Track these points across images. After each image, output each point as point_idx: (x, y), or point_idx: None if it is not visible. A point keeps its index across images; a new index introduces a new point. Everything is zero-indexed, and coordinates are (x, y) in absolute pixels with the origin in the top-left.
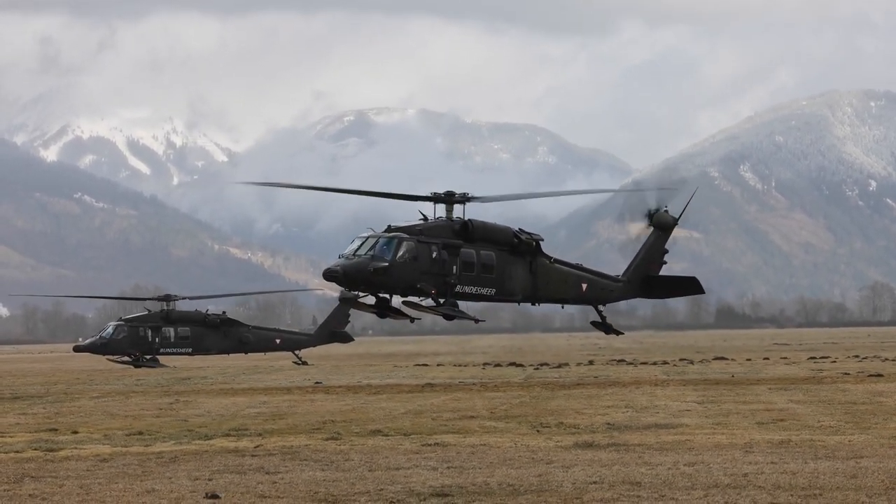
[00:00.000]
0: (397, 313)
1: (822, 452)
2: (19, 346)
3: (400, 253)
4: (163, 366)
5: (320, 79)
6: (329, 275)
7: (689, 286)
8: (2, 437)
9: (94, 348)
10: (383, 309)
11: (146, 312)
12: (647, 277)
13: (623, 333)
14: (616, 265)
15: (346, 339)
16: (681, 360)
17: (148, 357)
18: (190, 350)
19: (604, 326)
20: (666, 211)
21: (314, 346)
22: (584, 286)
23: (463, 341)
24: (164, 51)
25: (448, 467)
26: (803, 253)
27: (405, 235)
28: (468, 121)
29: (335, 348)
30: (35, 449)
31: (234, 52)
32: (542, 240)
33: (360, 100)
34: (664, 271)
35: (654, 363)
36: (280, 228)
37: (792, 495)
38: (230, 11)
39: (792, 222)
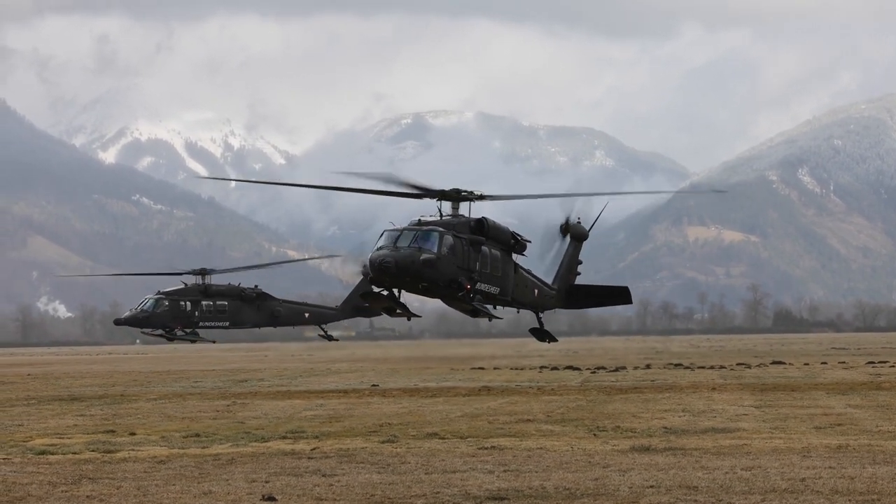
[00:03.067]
0: (404, 310)
1: (881, 457)
2: (77, 348)
3: (444, 246)
4: (203, 339)
5: (381, 81)
6: (382, 266)
7: (619, 296)
8: (60, 438)
9: (135, 321)
10: (395, 304)
11: (183, 286)
12: (571, 287)
13: (557, 340)
14: (673, 269)
15: (372, 312)
16: (738, 364)
17: (188, 330)
18: (227, 324)
19: (541, 333)
20: (578, 222)
21: (339, 319)
22: (536, 292)
23: (520, 344)
24: (223, 53)
25: (504, 471)
26: (861, 257)
27: (443, 229)
28: (526, 124)
29: (392, 351)
30: (93, 450)
31: (293, 55)
32: (531, 242)
33: (420, 102)
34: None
35: (712, 367)
36: (337, 231)
37: (850, 500)
38: (289, 14)
39: (850, 226)
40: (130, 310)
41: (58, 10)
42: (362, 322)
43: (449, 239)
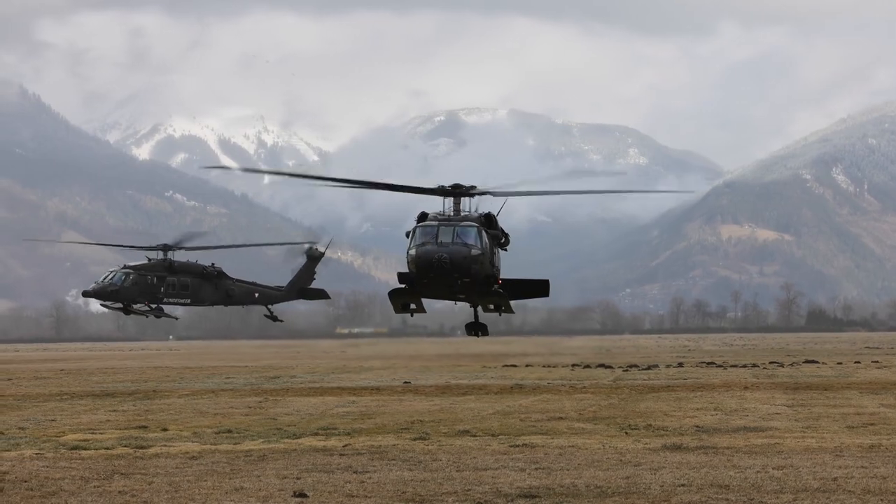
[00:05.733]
0: (419, 308)
1: None
2: (110, 343)
3: (483, 240)
4: (168, 315)
5: (418, 78)
6: (439, 261)
7: (539, 289)
8: (93, 433)
9: (104, 294)
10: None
11: (147, 261)
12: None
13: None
14: (706, 267)
15: (317, 295)
16: (771, 362)
17: (153, 306)
18: (189, 301)
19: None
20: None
21: (285, 301)
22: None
23: (552, 342)
24: (258, 50)
25: (536, 468)
26: None
27: (477, 224)
28: (559, 122)
29: (424, 348)
30: (125, 446)
31: (329, 52)
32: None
33: (456, 99)
34: None
35: (744, 366)
36: (370, 228)
37: (882, 500)
38: (325, 11)
39: (884, 225)
40: (96, 282)
41: (93, 6)
42: (395, 319)
43: (484, 233)
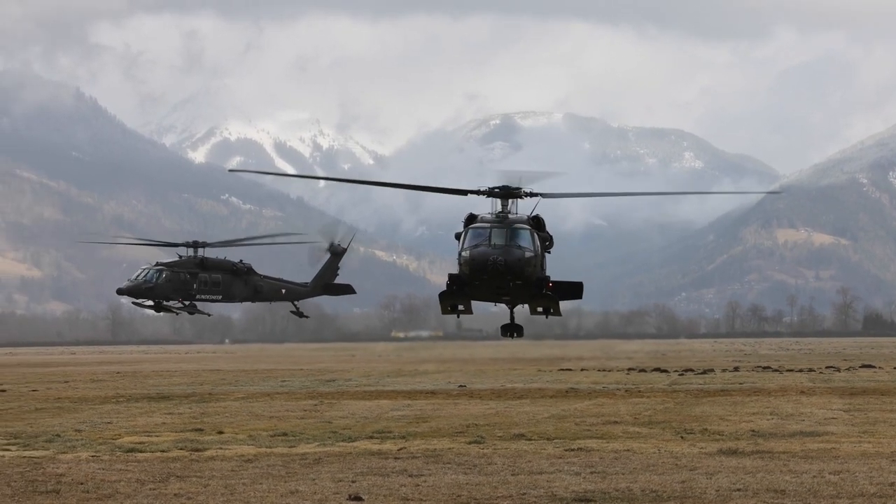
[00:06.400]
0: (467, 309)
1: None
2: (166, 346)
3: (535, 242)
4: (201, 312)
5: (473, 82)
6: (495, 264)
7: (571, 291)
8: (148, 436)
9: (138, 292)
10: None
11: (179, 258)
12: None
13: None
14: (762, 271)
15: (342, 291)
16: (827, 367)
17: (187, 303)
18: (220, 297)
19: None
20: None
21: (310, 297)
22: None
23: (607, 346)
24: (314, 53)
25: (591, 472)
26: None
27: (528, 225)
28: (615, 125)
29: (479, 352)
30: (181, 448)
31: (386, 55)
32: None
33: (511, 103)
34: None
35: (800, 370)
36: (425, 231)
37: None
38: (381, 15)
39: None
40: (129, 280)
41: (148, 9)
42: (450, 322)
43: (535, 235)
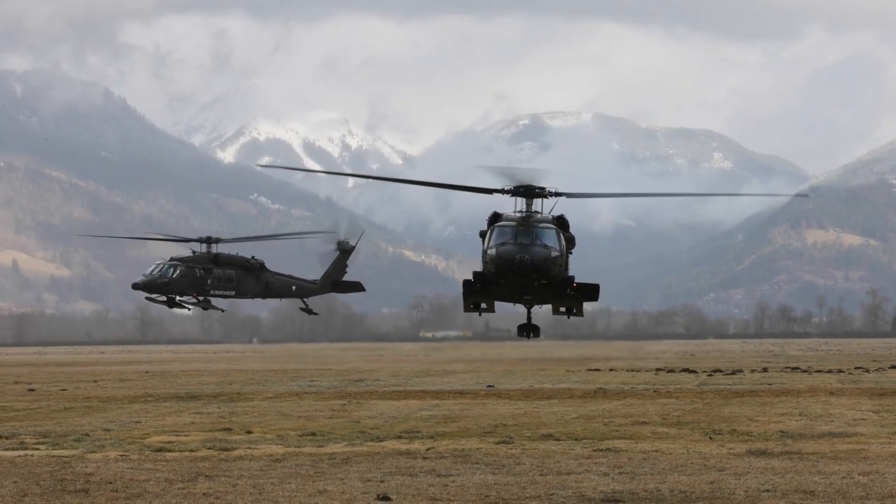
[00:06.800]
0: (490, 307)
1: None
2: (195, 346)
3: (561, 241)
4: (215, 308)
5: (502, 82)
6: (521, 263)
7: (588, 293)
8: (177, 435)
9: (154, 287)
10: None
11: (192, 254)
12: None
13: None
14: (791, 272)
15: (351, 288)
16: (856, 368)
17: (201, 298)
18: (233, 293)
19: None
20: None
21: (319, 294)
22: None
23: (636, 347)
24: (343, 53)
25: (619, 473)
26: None
27: (554, 225)
28: (644, 125)
29: (507, 352)
30: (209, 448)
31: (415, 55)
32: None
33: (540, 103)
34: None
35: (829, 371)
36: (454, 231)
37: None
38: (410, 15)
39: None
40: (144, 275)
41: (178, 8)
42: (478, 323)
43: (560, 235)
